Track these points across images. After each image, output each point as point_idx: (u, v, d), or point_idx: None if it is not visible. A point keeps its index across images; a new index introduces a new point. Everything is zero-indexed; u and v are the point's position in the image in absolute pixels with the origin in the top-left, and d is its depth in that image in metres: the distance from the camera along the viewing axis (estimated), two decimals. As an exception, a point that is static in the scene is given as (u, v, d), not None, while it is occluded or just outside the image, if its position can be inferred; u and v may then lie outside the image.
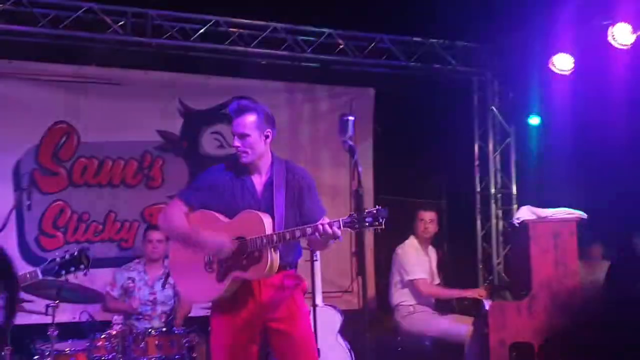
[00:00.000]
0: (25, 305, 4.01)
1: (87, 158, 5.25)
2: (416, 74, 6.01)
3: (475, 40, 5.95)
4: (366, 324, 2.84)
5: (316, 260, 4.41)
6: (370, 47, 5.77)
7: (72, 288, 3.90)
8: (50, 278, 2.67)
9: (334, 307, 4.70)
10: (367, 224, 2.65)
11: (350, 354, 4.52)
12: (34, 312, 4.08)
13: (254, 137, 2.86)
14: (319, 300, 4.46)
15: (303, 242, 3.12)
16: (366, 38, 5.79)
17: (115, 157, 5.34)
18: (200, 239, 2.86)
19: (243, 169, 2.94)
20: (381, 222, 2.65)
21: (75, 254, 2.75)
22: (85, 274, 2.84)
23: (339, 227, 2.70)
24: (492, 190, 6.21)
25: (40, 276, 2.66)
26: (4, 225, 3.73)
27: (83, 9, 4.87)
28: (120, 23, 5.02)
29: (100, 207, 5.23)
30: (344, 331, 4.64)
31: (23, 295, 3.94)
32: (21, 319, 4.06)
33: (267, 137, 2.93)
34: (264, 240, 2.76)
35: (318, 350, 4.03)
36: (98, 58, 5.40)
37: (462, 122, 6.28)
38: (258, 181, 2.94)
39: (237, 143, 2.89)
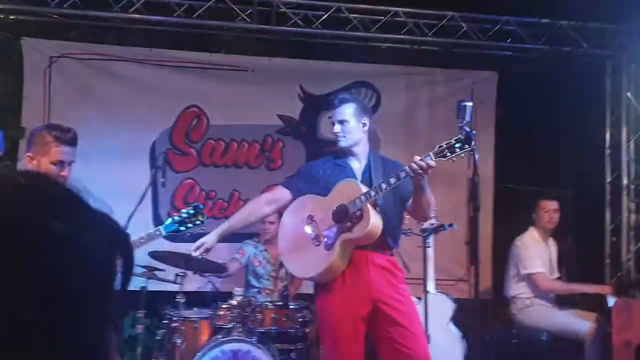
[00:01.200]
0: (158, 273, 4.41)
1: (215, 140, 5.61)
2: (543, 57, 5.75)
3: (610, 21, 5.56)
4: (478, 313, 2.83)
5: (429, 247, 4.40)
6: (494, 30, 5.59)
7: (198, 260, 4.21)
8: (172, 233, 2.95)
9: (446, 295, 4.66)
10: (457, 149, 2.68)
11: (462, 342, 4.48)
12: (165, 280, 4.46)
13: (351, 124, 3.11)
14: (430, 287, 4.46)
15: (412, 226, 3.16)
16: (490, 20, 5.61)
17: (240, 140, 5.65)
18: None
19: (343, 156, 3.17)
20: (472, 146, 2.66)
21: (192, 211, 2.96)
22: (202, 229, 3.10)
23: (431, 159, 2.76)
24: (625, 181, 5.81)
25: (163, 233, 2.92)
26: (142, 200, 4.09)
27: (213, 0, 5.17)
28: (247, 12, 5.26)
29: (225, 186, 5.57)
30: (456, 320, 4.60)
31: (156, 264, 4.34)
32: (154, 285, 4.50)
33: (364, 124, 3.16)
34: (362, 198, 2.89)
35: (428, 336, 4.06)
36: (227, 45, 5.71)
37: (593, 108, 5.91)
38: (357, 166, 3.15)
39: (336, 129, 3.14)
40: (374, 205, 2.94)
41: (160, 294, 4.70)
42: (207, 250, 3.06)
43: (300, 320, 4.21)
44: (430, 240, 4.38)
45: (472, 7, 5.55)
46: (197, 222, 2.94)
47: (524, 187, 5.76)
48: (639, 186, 5.77)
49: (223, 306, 4.17)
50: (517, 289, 4.83)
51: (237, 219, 3.34)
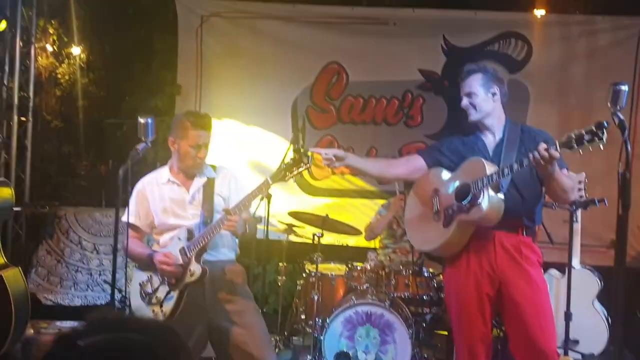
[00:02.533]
0: (296, 230, 4.63)
1: (354, 97, 5.62)
2: None
3: None
4: (621, 286, 2.64)
5: (576, 222, 4.14)
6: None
7: (334, 221, 4.36)
8: (280, 181, 2.91)
9: (592, 271, 4.40)
10: (585, 141, 2.48)
11: (607, 322, 4.25)
12: (302, 236, 4.68)
13: (480, 96, 2.96)
14: (575, 262, 4.23)
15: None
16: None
17: (379, 96, 5.61)
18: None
19: (475, 129, 3.04)
20: (601, 136, 2.44)
21: (296, 156, 2.85)
22: (309, 171, 3.09)
23: (556, 150, 2.58)
24: None
25: (270, 181, 2.89)
26: (283, 160, 4.23)
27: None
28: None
29: (363, 143, 5.60)
30: (601, 297, 4.35)
31: (293, 221, 4.55)
32: (295, 239, 4.74)
33: (494, 94, 2.97)
34: (485, 180, 2.77)
35: (570, 314, 3.90)
36: (368, -1, 5.60)
37: None
38: (490, 140, 3.00)
39: (464, 102, 3.00)
40: (497, 189, 2.79)
41: (302, 247, 4.95)
42: (332, 160, 2.88)
43: (434, 286, 4.23)
44: (578, 214, 4.12)
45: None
46: (302, 166, 2.85)
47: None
48: None
49: (358, 267, 4.30)
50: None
51: (373, 165, 3.30)
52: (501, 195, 2.81)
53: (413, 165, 3.14)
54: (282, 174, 2.90)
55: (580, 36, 5.51)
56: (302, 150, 2.91)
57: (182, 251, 3.04)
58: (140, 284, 3.11)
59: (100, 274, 5.29)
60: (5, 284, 3.25)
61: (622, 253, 2.76)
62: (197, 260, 3.03)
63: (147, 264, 3.10)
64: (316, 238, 4.37)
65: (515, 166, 2.72)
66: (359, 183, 5.57)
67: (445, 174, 3.01)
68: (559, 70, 5.53)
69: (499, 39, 5.55)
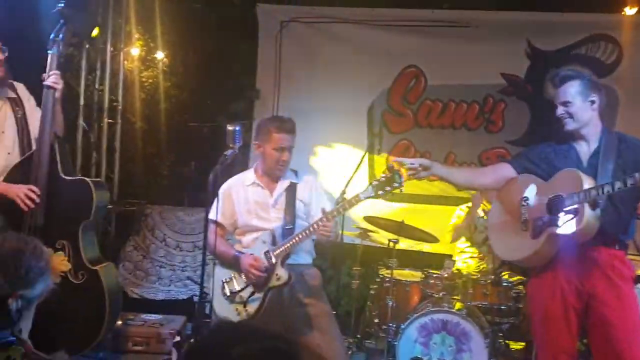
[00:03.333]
0: (371, 235, 4.62)
1: (432, 101, 5.54)
2: None
3: None
4: None
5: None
6: None
7: (410, 227, 4.33)
8: (370, 198, 2.94)
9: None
10: None
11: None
12: (376, 241, 4.67)
13: (576, 104, 2.85)
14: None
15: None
16: None
17: (459, 100, 5.50)
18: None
19: (569, 138, 2.93)
20: None
21: (389, 175, 2.91)
22: (401, 191, 3.00)
23: None
24: None
25: (361, 198, 2.94)
26: (358, 167, 4.26)
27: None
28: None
29: (441, 148, 5.50)
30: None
31: (366, 226, 4.54)
32: (368, 242, 4.73)
33: (592, 102, 2.85)
34: (581, 195, 2.65)
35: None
36: (450, 0, 5.51)
37: None
38: (585, 150, 2.88)
39: (560, 111, 2.91)
40: (594, 205, 2.67)
41: (376, 250, 4.93)
42: (418, 169, 2.87)
43: (513, 296, 4.13)
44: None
45: None
46: (395, 185, 2.88)
47: None
48: None
49: (434, 275, 4.25)
50: None
51: (460, 174, 3.21)
52: (598, 212, 2.69)
53: (501, 173, 3.05)
54: (374, 191, 2.92)
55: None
56: (395, 167, 2.92)
57: (267, 255, 3.12)
58: (222, 282, 3.20)
59: (182, 270, 5.48)
60: (101, 277, 3.43)
61: None
62: (283, 264, 3.10)
63: (230, 263, 3.19)
64: (391, 243, 4.34)
65: (618, 185, 2.58)
66: (438, 188, 5.50)
67: (536, 181, 2.91)
68: (653, 77, 5.25)
69: (586, 42, 5.32)
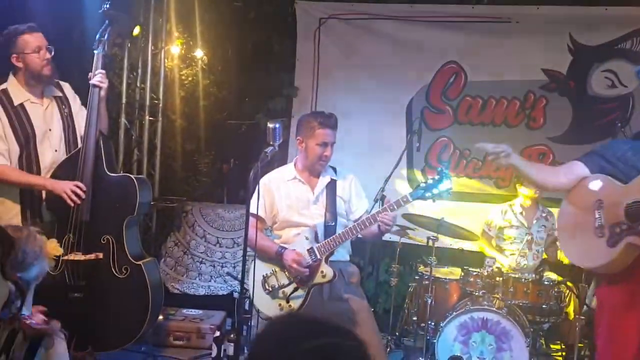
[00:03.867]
0: (410, 232, 4.60)
1: (472, 97, 5.48)
2: None
3: None
4: None
5: None
6: None
7: (450, 224, 4.29)
8: (417, 199, 2.99)
9: None
10: None
11: None
12: (415, 239, 4.64)
13: None
14: None
15: None
16: None
17: (499, 97, 5.43)
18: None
19: None
20: None
21: (437, 177, 2.96)
22: (449, 193, 3.03)
23: None
24: None
25: (410, 199, 2.99)
26: (397, 164, 4.24)
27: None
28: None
29: (480, 145, 5.43)
30: None
31: (407, 223, 4.52)
32: (406, 240, 4.72)
33: None
34: None
35: None
36: (489, -2, 5.44)
37: None
38: None
39: None
40: None
41: (415, 248, 4.91)
42: (499, 155, 2.79)
43: (555, 295, 4.06)
44: None
45: None
46: (443, 189, 2.93)
47: None
48: None
49: (474, 273, 4.21)
50: None
51: (536, 171, 3.01)
52: None
53: (575, 173, 2.85)
54: (422, 193, 2.95)
55: None
56: (445, 171, 2.94)
57: (311, 251, 3.13)
58: (263, 277, 3.22)
59: (222, 266, 5.55)
60: (144, 272, 3.50)
61: None
62: (327, 261, 3.12)
63: (271, 257, 3.21)
64: (430, 241, 4.32)
65: None
66: (477, 186, 5.44)
67: (612, 183, 2.71)
68: None
69: (632, 36, 5.19)
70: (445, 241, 4.91)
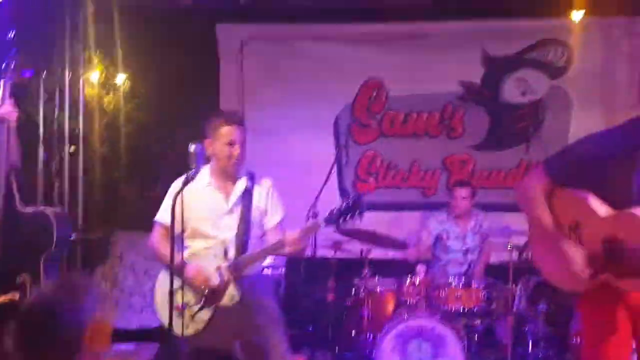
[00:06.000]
0: (345, 246, 4.65)
1: (394, 111, 5.66)
2: None
3: None
4: None
5: None
6: None
7: (382, 235, 4.38)
8: (331, 225, 2.90)
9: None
10: None
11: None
12: (350, 252, 4.70)
13: None
14: None
15: None
16: None
17: (419, 109, 5.63)
18: (562, 247, 2.43)
19: (638, 142, 2.30)
20: None
21: (351, 202, 2.87)
22: (361, 219, 2.94)
23: None
24: None
25: (323, 225, 2.91)
26: (327, 179, 4.30)
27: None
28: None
29: (406, 156, 5.63)
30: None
31: (340, 237, 4.56)
32: (341, 254, 4.76)
33: None
34: None
35: None
36: (402, 14, 5.63)
37: None
38: None
39: None
40: None
41: (349, 263, 4.95)
42: None
43: (485, 297, 4.21)
44: None
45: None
46: (357, 213, 2.87)
47: None
48: None
49: (407, 282, 4.30)
50: None
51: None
52: None
53: (540, 187, 2.47)
54: (335, 219, 2.87)
55: (621, 38, 5.43)
56: (356, 197, 2.90)
57: (220, 271, 2.94)
58: (169, 290, 2.79)
59: (153, 297, 5.38)
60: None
61: None
62: (237, 283, 2.95)
63: (175, 271, 2.84)
64: (364, 254, 4.38)
65: None
66: (406, 195, 5.60)
67: (592, 203, 2.35)
68: (601, 74, 5.46)
69: (538, 47, 5.52)
70: (379, 252, 5.00)
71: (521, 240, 4.22)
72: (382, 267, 5.00)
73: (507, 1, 5.36)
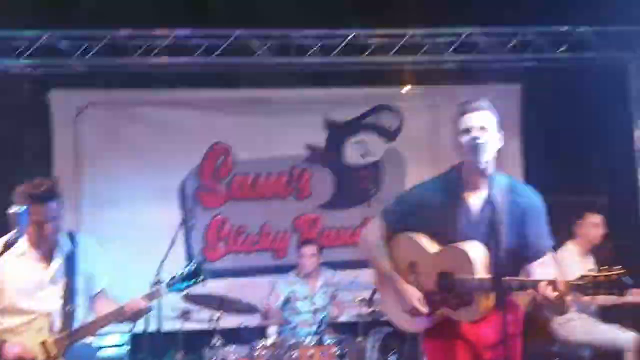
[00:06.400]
0: (192, 314, 4.46)
1: (242, 175, 5.68)
2: (565, 64, 5.65)
3: (629, 23, 5.45)
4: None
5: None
6: (513, 42, 5.52)
7: (232, 300, 4.27)
8: (174, 291, 2.88)
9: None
10: (602, 290, 2.18)
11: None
12: (200, 320, 4.51)
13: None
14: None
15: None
16: (508, 32, 5.54)
17: (267, 172, 5.71)
18: (398, 287, 2.62)
19: (457, 185, 2.55)
20: (622, 293, 2.16)
21: (193, 268, 2.87)
22: (203, 285, 2.96)
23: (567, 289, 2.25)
24: (656, 182, 5.65)
25: (165, 291, 2.85)
26: (172, 244, 4.15)
27: (233, 37, 5.20)
28: (267, 46, 5.28)
29: (255, 220, 5.64)
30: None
31: (189, 306, 4.39)
32: (191, 325, 4.55)
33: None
34: (473, 284, 2.41)
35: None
36: (248, 80, 5.78)
37: (618, 112, 5.78)
38: (475, 200, 2.52)
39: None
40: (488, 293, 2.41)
41: (198, 333, 4.75)
42: None
43: (337, 354, 4.22)
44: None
45: (489, 20, 5.49)
46: (199, 279, 2.88)
47: (561, 198, 5.62)
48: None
49: (259, 346, 4.20)
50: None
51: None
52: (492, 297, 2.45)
53: (377, 238, 2.67)
54: (177, 284, 2.83)
55: (444, 104, 5.98)
56: (197, 264, 2.87)
57: (44, 346, 2.72)
58: None
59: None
60: None
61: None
62: (65, 355, 2.74)
63: None
64: (214, 321, 4.23)
65: (516, 284, 2.38)
66: (256, 259, 5.56)
67: (425, 244, 2.56)
68: (430, 136, 5.93)
69: (373, 112, 5.92)
70: (230, 320, 4.86)
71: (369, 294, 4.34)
72: (233, 335, 4.86)
73: (346, 72, 5.72)
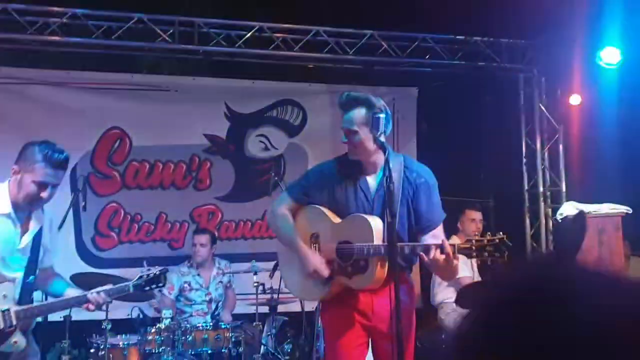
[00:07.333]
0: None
1: (138, 162, 5.50)
2: (461, 72, 5.99)
3: (520, 37, 5.88)
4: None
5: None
6: (413, 47, 5.78)
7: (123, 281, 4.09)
8: (138, 291, 2.96)
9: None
10: (486, 253, 2.44)
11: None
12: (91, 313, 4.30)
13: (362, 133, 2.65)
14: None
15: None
16: (408, 38, 5.80)
17: (165, 160, 5.56)
18: (300, 253, 2.74)
19: (355, 165, 2.72)
20: (503, 255, 2.42)
21: (157, 273, 2.96)
22: (160, 291, 3.01)
23: (454, 252, 2.46)
24: (541, 189, 6.10)
25: (131, 290, 2.90)
26: (62, 223, 3.94)
27: (134, 20, 5.08)
28: (169, 32, 5.21)
29: (151, 209, 5.46)
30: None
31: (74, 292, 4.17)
32: (77, 314, 4.32)
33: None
34: (371, 250, 2.56)
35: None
36: (148, 66, 5.63)
37: (509, 120, 6.20)
38: (372, 179, 2.71)
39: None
40: (384, 260, 2.55)
41: (86, 323, 4.53)
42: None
43: (233, 340, 4.17)
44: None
45: (391, 25, 5.73)
46: (160, 285, 3.01)
47: (447, 198, 5.93)
48: (553, 192, 6.07)
49: (152, 331, 4.08)
50: (445, 294, 4.95)
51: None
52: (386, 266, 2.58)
53: (284, 211, 2.80)
54: (142, 286, 2.89)
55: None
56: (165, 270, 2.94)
57: (6, 314, 2.59)
58: None
59: None
60: None
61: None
62: (23, 330, 2.65)
63: None
64: (104, 307, 4.03)
65: (407, 249, 2.58)
66: (151, 249, 5.37)
67: (327, 217, 2.71)
68: (331, 133, 6.04)
69: (276, 106, 5.94)
70: (122, 310, 4.68)
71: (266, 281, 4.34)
72: (124, 326, 4.68)
73: (249, 64, 5.73)
